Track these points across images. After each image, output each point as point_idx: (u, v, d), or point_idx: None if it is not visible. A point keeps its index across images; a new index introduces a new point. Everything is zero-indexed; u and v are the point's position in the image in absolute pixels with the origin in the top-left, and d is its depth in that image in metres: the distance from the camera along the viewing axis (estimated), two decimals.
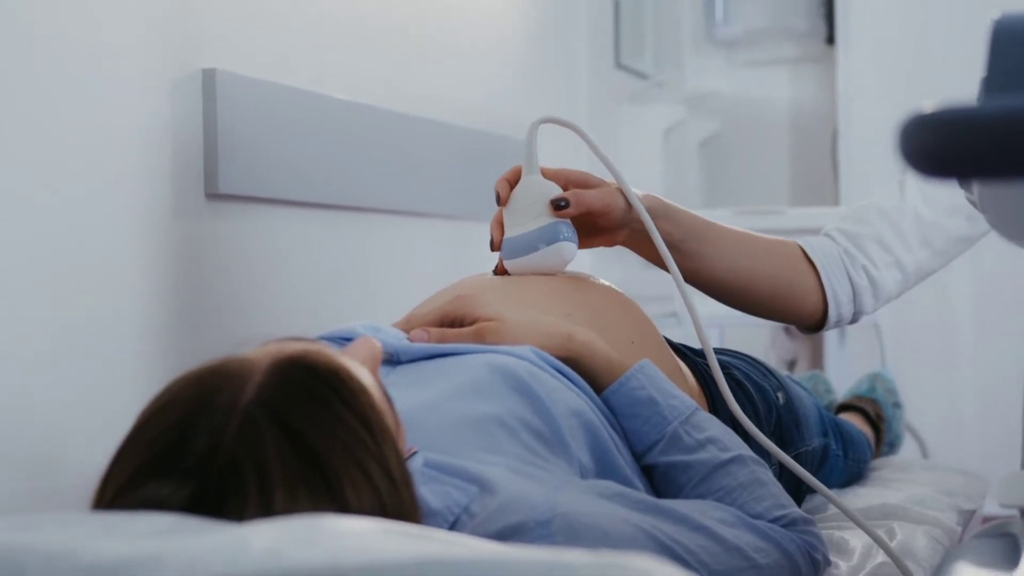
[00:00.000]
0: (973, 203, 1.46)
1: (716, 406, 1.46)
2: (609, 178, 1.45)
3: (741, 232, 1.51)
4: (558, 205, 1.40)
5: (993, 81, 0.70)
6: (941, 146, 0.60)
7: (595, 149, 1.43)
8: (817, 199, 3.70)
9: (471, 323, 1.30)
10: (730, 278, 1.49)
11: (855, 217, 1.57)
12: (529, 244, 1.41)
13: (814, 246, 1.54)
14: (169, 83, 1.51)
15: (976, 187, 0.96)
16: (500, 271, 1.46)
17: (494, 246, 1.45)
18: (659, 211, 1.43)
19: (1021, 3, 1.41)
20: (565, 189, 1.43)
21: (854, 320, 1.57)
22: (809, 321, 1.55)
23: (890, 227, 1.54)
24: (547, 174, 1.44)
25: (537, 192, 1.42)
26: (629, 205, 1.42)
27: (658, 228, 1.41)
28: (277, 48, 1.76)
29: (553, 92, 2.90)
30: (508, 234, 1.43)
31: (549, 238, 1.40)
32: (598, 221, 1.43)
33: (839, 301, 1.53)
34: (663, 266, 1.43)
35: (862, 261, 1.53)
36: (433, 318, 1.32)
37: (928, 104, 0.65)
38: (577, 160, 2.03)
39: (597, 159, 1.48)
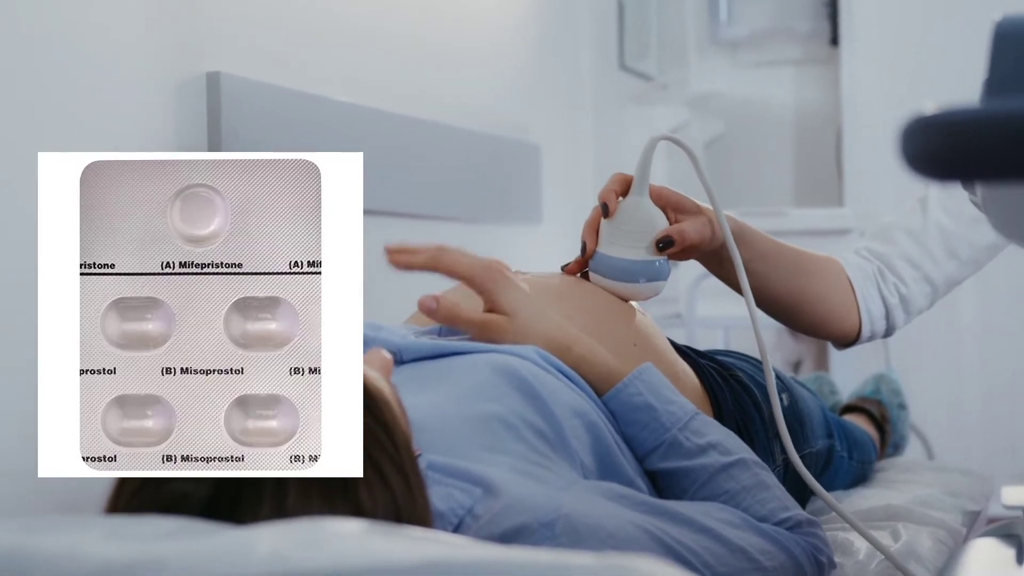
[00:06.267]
0: (976, 205, 1.47)
1: (720, 410, 1.46)
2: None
3: (797, 251, 1.54)
4: (666, 243, 1.41)
5: (994, 83, 0.70)
6: (942, 149, 0.60)
7: (701, 175, 1.44)
8: (821, 200, 3.69)
9: (488, 308, 1.29)
10: (784, 296, 1.53)
11: (881, 237, 1.61)
12: (628, 273, 1.43)
13: (851, 264, 1.58)
14: (174, 86, 1.51)
15: (979, 189, 0.96)
16: (571, 271, 1.47)
17: (586, 252, 1.46)
18: (736, 234, 1.46)
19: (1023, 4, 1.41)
20: (666, 213, 1.44)
21: (887, 335, 1.62)
22: (847, 339, 1.60)
23: (916, 244, 1.58)
24: (651, 194, 1.45)
25: (644, 218, 1.43)
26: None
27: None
28: (281, 51, 1.76)
29: (557, 94, 2.90)
30: (604, 249, 1.44)
31: (649, 275, 1.44)
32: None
33: (873, 318, 1.58)
34: (732, 284, 1.47)
35: (892, 279, 1.58)
36: (463, 271, 1.28)
37: (929, 106, 0.65)
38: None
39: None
